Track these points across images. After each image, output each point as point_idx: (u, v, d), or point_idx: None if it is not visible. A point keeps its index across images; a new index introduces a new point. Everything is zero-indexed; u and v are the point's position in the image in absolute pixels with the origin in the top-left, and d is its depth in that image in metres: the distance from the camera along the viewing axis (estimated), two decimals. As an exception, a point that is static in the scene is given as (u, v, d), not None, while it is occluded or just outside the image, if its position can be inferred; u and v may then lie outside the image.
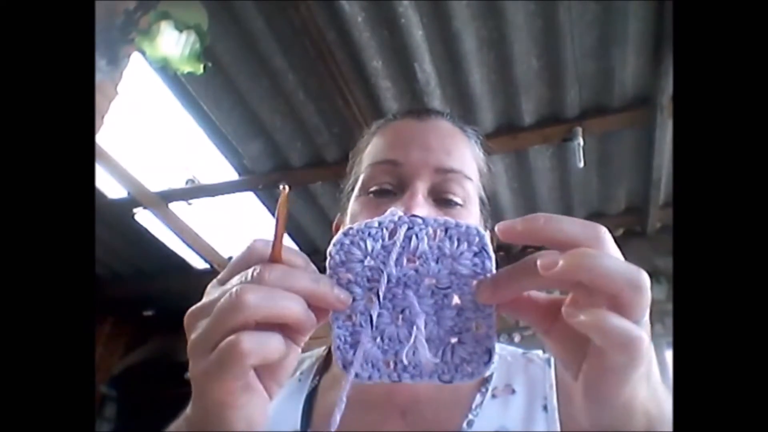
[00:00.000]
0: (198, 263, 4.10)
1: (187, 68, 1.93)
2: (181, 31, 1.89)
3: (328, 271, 0.37)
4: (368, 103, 2.62)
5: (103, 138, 2.71)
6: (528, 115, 2.69)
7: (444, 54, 2.39)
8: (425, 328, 0.36)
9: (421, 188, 0.57)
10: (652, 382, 0.35)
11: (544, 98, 2.62)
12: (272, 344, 0.34)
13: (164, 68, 1.98)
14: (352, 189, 0.64)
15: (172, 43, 1.88)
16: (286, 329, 0.36)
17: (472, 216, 0.60)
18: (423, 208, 0.55)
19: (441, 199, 0.58)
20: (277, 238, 0.36)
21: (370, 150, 0.65)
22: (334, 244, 0.37)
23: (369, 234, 0.36)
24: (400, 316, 0.37)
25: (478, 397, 0.57)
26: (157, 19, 1.87)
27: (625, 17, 2.20)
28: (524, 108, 2.64)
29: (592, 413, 0.34)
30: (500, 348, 0.64)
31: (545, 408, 0.55)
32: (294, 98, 2.68)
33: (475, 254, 0.36)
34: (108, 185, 3.20)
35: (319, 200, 3.33)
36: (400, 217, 0.36)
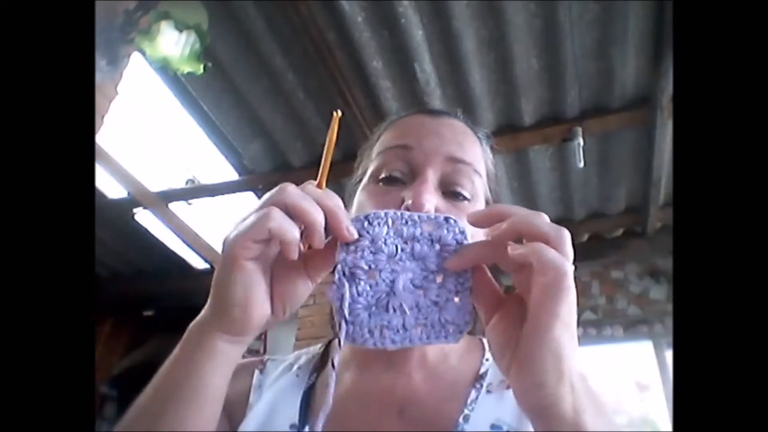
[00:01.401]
0: (198, 263, 4.10)
1: (187, 68, 1.93)
2: (181, 31, 1.89)
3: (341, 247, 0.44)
4: (368, 103, 2.62)
5: (103, 138, 2.71)
6: (528, 115, 2.69)
7: (444, 54, 2.39)
8: (416, 296, 0.44)
9: (432, 176, 0.57)
10: (577, 353, 0.39)
11: (544, 98, 2.62)
12: (289, 226, 0.41)
13: (164, 68, 1.98)
14: (359, 181, 0.64)
15: (172, 43, 1.88)
16: (306, 265, 0.45)
17: None
18: (432, 195, 0.55)
19: (450, 191, 0.58)
20: (324, 166, 0.46)
21: (381, 142, 0.65)
22: (352, 220, 0.44)
23: (377, 220, 0.44)
24: (393, 290, 0.44)
25: (473, 393, 0.57)
26: (157, 19, 1.87)
27: (625, 17, 2.20)
28: (524, 108, 2.64)
29: (525, 369, 0.38)
30: None
31: None
32: (294, 98, 2.68)
33: (455, 238, 0.45)
34: (108, 185, 3.21)
35: (319, 200, 3.32)
36: (397, 212, 0.45)
